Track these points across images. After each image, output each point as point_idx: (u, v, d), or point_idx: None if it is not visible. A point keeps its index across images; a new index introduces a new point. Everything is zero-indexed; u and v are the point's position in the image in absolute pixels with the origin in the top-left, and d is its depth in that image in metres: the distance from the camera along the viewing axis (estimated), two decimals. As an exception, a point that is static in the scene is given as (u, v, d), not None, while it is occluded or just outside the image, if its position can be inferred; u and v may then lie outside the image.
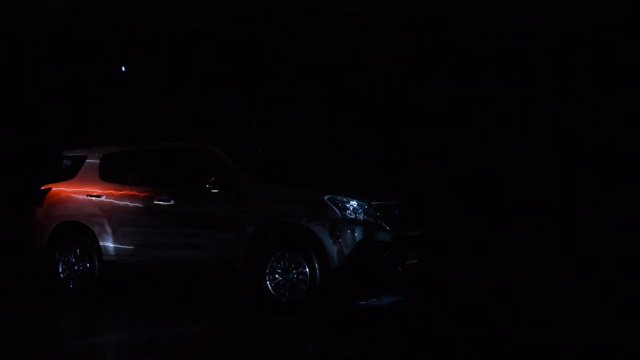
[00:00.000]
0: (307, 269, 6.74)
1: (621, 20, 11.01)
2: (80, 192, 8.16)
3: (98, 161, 8.26)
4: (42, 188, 8.52)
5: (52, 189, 8.41)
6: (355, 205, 6.84)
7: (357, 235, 6.69)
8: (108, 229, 7.87)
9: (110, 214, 7.89)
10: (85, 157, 8.37)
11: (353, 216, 6.77)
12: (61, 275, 8.10)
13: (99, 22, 10.61)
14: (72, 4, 9.90)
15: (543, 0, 10.38)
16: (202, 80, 13.34)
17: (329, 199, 6.81)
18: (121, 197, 7.89)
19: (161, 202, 7.55)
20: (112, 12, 10.29)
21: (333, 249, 6.65)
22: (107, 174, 8.18)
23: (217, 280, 7.37)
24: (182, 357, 5.40)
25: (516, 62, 12.94)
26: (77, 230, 8.08)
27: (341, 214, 6.74)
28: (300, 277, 6.79)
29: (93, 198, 8.04)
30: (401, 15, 10.65)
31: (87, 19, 10.51)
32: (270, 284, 6.91)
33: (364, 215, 6.84)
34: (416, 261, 7.21)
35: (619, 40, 11.50)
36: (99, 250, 7.87)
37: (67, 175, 8.43)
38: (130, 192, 7.87)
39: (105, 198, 7.97)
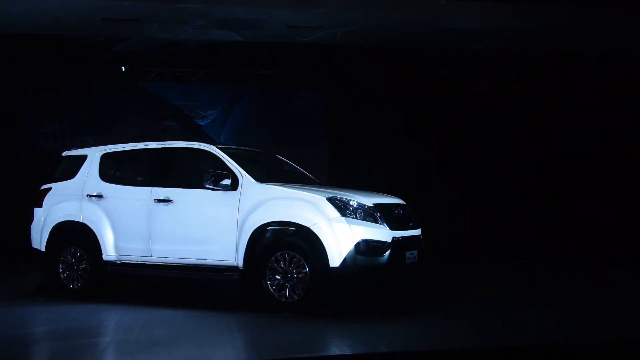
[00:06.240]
0: (307, 269, 6.74)
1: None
2: (80, 192, 8.15)
3: (98, 161, 8.26)
4: (42, 188, 8.52)
5: (52, 189, 8.41)
6: (355, 205, 6.84)
7: (357, 235, 6.68)
8: (108, 229, 7.86)
9: (110, 213, 7.88)
10: (85, 157, 8.37)
11: (353, 216, 6.77)
12: (61, 275, 8.09)
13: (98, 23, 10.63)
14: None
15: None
16: (201, 81, 13.36)
17: (328, 199, 6.80)
18: (121, 197, 7.88)
19: (161, 202, 7.55)
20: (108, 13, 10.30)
21: (333, 249, 6.63)
22: (107, 174, 8.18)
23: (217, 280, 7.35)
24: (182, 356, 5.40)
25: (514, 65, 12.97)
26: (77, 230, 8.08)
27: (341, 213, 6.73)
28: (300, 277, 6.79)
29: (93, 198, 8.04)
30: (401, 17, 10.65)
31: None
32: (270, 284, 6.91)
33: (364, 215, 6.83)
34: (416, 261, 7.20)
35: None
36: (99, 250, 7.86)
37: (67, 175, 8.42)
38: (130, 192, 7.86)
39: (105, 198, 7.97)
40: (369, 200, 7.03)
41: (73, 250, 8.06)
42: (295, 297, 6.80)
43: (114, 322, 6.90)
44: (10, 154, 12.46)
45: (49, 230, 8.23)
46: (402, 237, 7.03)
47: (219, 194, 7.22)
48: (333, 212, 6.74)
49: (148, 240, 7.61)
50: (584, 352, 5.44)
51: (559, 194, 13.33)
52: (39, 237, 8.31)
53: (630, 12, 10.63)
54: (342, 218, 6.71)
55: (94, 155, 8.35)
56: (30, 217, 8.48)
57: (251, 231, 7.01)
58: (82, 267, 8.00)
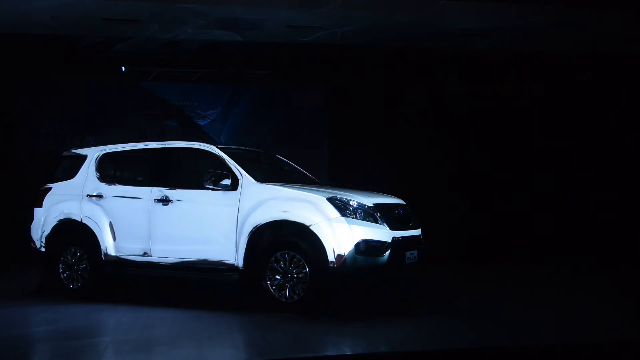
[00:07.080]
0: (307, 269, 6.74)
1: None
2: (80, 192, 8.15)
3: (98, 161, 8.27)
4: (42, 188, 8.52)
5: (52, 189, 8.41)
6: (355, 205, 6.84)
7: (357, 235, 6.68)
8: (108, 229, 7.87)
9: (110, 213, 7.89)
10: (85, 157, 8.38)
11: (353, 216, 6.77)
12: (61, 275, 8.09)
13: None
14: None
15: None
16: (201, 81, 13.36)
17: (328, 199, 6.80)
18: (121, 197, 7.88)
19: (161, 202, 7.55)
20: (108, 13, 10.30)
21: (333, 249, 6.64)
22: (107, 174, 8.19)
23: (217, 280, 7.35)
24: (182, 356, 5.40)
25: (514, 65, 12.98)
26: (77, 230, 8.08)
27: (341, 213, 6.73)
28: (300, 277, 6.79)
29: (93, 198, 8.04)
30: (401, 17, 10.64)
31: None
32: (270, 284, 6.91)
33: (364, 215, 6.83)
34: (416, 261, 7.20)
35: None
36: (99, 250, 7.86)
37: (67, 175, 8.43)
38: (130, 192, 7.86)
39: (105, 198, 7.97)
40: (369, 200, 7.03)
41: (73, 250, 8.07)
42: (295, 297, 6.80)
43: (114, 322, 6.90)
44: (10, 154, 12.45)
45: (49, 230, 8.24)
46: (402, 237, 7.03)
47: (219, 193, 7.22)
48: (333, 212, 6.74)
49: (148, 240, 7.61)
50: (583, 352, 5.44)
51: (559, 193, 13.33)
52: (39, 237, 8.31)
53: (631, 11, 10.62)
54: (342, 218, 6.71)
55: (94, 155, 8.35)
56: (30, 217, 8.48)
57: (251, 231, 7.01)
58: (82, 267, 8.00)
